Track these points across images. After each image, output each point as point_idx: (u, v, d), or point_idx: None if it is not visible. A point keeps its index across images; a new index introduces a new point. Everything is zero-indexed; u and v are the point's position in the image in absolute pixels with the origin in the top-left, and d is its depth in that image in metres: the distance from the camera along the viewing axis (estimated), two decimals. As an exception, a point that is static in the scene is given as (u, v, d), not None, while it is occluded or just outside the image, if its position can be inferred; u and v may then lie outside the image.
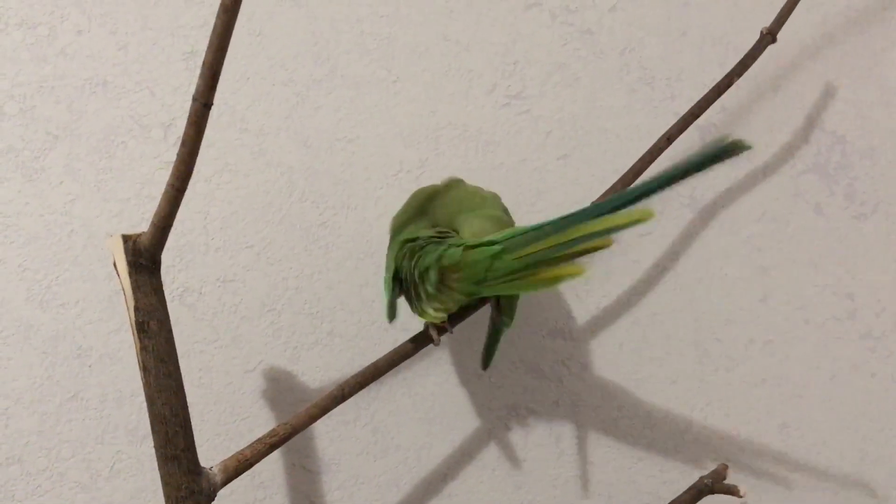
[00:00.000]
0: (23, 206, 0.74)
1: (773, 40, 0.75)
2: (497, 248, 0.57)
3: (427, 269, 0.61)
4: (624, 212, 0.53)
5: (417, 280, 0.63)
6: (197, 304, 0.76)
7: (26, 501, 0.73)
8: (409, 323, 0.78)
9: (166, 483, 0.57)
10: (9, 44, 0.73)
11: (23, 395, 0.73)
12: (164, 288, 0.71)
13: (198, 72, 0.70)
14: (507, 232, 0.59)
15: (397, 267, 0.65)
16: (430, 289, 0.62)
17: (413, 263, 0.63)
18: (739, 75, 0.74)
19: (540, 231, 0.56)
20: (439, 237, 0.64)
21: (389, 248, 0.69)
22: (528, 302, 0.81)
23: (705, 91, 0.75)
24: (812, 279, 0.84)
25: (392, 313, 0.66)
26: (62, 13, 0.74)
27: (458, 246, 0.60)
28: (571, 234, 0.55)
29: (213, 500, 0.59)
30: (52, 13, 0.74)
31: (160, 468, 0.58)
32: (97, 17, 0.75)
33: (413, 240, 0.65)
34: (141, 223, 0.75)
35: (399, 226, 0.69)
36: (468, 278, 0.59)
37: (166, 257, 0.75)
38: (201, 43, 0.76)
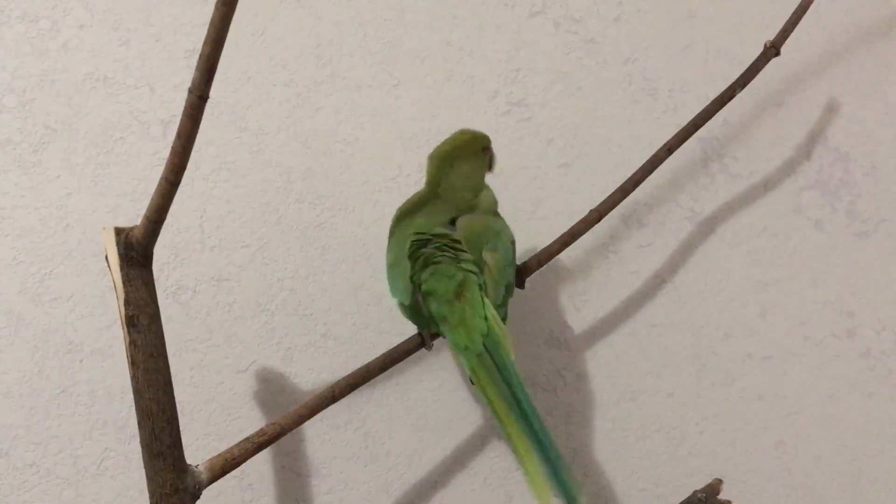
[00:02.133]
0: (19, 198, 0.73)
1: (777, 53, 0.75)
2: (477, 349, 0.63)
3: (430, 296, 0.64)
4: (541, 479, 0.59)
5: (422, 294, 0.65)
6: (191, 302, 0.75)
7: (12, 496, 0.73)
8: (404, 327, 0.78)
9: (151, 479, 0.57)
10: (10, 36, 0.73)
11: (12, 389, 0.73)
12: (158, 285, 0.70)
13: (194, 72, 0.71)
14: (496, 333, 0.63)
15: (412, 275, 0.65)
16: (427, 313, 0.65)
17: (423, 276, 0.64)
18: (742, 87, 0.74)
19: (506, 386, 0.61)
20: (452, 249, 0.65)
21: (398, 230, 0.68)
22: (525, 311, 0.80)
23: (708, 103, 0.74)
24: (812, 296, 0.83)
25: (411, 303, 0.65)
26: (65, 7, 0.74)
27: (458, 303, 0.63)
28: (512, 429, 0.60)
29: (197, 498, 0.58)
30: (54, 7, 0.74)
31: (145, 464, 0.57)
32: (100, 12, 0.75)
33: (424, 242, 0.65)
34: (137, 219, 0.74)
35: (410, 208, 0.69)
36: (452, 336, 0.63)
37: (161, 254, 0.75)
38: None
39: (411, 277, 0.65)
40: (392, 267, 0.67)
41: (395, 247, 0.68)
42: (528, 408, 0.60)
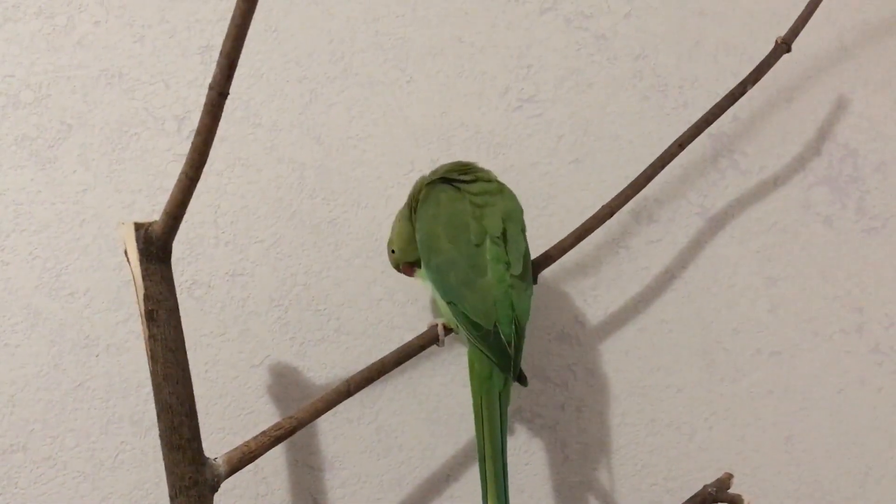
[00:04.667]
0: (35, 194, 0.74)
1: (788, 49, 0.75)
2: (500, 382, 0.66)
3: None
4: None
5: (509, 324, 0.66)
6: (205, 297, 0.76)
7: (29, 489, 0.73)
8: (416, 322, 0.78)
9: (170, 472, 0.57)
10: (26, 33, 0.74)
11: (29, 383, 0.73)
12: (174, 281, 0.71)
13: (213, 66, 0.72)
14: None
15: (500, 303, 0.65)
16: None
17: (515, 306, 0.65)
18: (753, 83, 0.74)
19: (496, 441, 0.66)
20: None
21: (445, 217, 0.66)
22: (536, 306, 0.80)
23: (719, 100, 0.75)
24: (821, 291, 0.84)
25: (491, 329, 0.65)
26: (80, 4, 0.74)
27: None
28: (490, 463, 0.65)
29: (216, 490, 0.59)
30: (69, 3, 0.74)
31: (164, 457, 0.58)
32: (115, 8, 0.75)
33: (507, 264, 0.66)
34: (152, 215, 0.75)
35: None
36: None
37: (176, 250, 0.74)
38: (217, 37, 0.76)
39: (507, 304, 0.64)
40: (459, 271, 0.64)
41: (453, 237, 0.65)
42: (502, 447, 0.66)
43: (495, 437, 0.65)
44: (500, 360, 0.64)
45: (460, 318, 0.64)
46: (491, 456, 0.65)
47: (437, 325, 0.68)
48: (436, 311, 0.76)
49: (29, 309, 0.73)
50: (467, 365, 0.67)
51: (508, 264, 0.65)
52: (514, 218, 0.68)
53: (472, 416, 0.67)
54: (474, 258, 0.65)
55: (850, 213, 0.84)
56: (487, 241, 0.65)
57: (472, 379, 0.66)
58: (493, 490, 0.65)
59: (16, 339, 0.73)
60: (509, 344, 0.64)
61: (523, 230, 0.68)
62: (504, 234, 0.66)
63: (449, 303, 0.65)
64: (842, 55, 0.84)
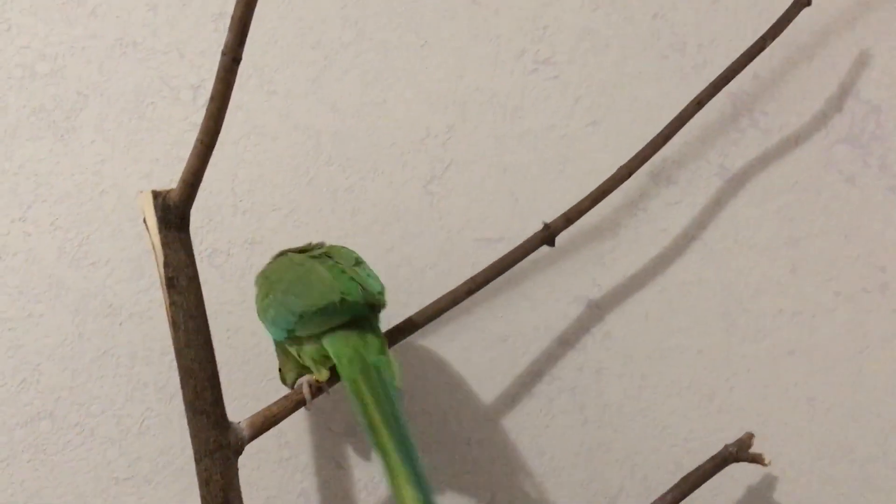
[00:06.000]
0: (54, 165, 0.74)
1: (808, 3, 0.74)
2: (373, 350, 0.61)
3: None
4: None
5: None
6: (225, 265, 0.77)
7: (57, 456, 0.75)
8: (433, 288, 0.78)
9: (195, 436, 0.58)
10: (40, 4, 0.74)
11: (54, 352, 0.75)
12: (193, 249, 0.71)
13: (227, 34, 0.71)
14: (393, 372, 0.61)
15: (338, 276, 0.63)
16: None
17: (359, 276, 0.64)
18: (773, 39, 0.73)
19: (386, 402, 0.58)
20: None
21: (273, 268, 0.66)
22: (554, 269, 0.80)
23: (738, 57, 0.73)
24: (843, 251, 0.83)
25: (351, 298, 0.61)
26: (93, -27, 0.74)
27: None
28: (387, 449, 0.57)
29: (240, 454, 0.60)
30: (83, -27, 0.74)
31: (189, 422, 0.58)
32: (128, -23, 0.75)
33: (321, 255, 0.65)
34: (170, 184, 0.75)
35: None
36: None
37: (195, 218, 0.75)
38: (230, 5, 0.76)
39: (346, 278, 0.62)
40: (294, 284, 0.62)
41: (280, 273, 0.64)
42: (403, 427, 0.58)
43: (389, 420, 0.57)
44: (358, 311, 0.61)
45: (313, 321, 0.60)
46: (394, 444, 0.57)
47: (301, 384, 0.64)
48: (299, 370, 0.68)
49: (52, 279, 0.74)
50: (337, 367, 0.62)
51: (337, 263, 0.64)
52: (340, 249, 0.67)
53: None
54: (300, 269, 0.63)
55: (872, 171, 0.83)
56: (308, 259, 0.64)
57: (342, 369, 0.60)
58: (407, 482, 0.56)
59: (40, 308, 0.74)
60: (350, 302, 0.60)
61: (357, 257, 0.67)
62: (327, 254, 0.65)
63: (300, 318, 0.60)
64: (864, 8, 0.82)
